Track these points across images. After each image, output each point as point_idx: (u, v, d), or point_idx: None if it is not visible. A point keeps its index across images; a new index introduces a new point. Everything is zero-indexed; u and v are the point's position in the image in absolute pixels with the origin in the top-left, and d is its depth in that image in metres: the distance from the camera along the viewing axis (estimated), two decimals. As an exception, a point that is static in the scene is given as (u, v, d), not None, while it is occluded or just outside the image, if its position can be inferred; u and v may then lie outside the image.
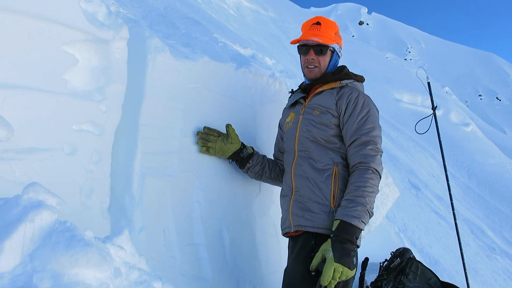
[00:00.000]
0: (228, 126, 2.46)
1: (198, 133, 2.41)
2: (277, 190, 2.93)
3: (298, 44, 2.44)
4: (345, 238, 1.93)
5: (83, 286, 1.02)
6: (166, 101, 2.24)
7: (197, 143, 2.41)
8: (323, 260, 1.95)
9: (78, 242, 1.07)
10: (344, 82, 2.34)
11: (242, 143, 2.51)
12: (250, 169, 2.53)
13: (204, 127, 2.44)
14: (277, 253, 2.83)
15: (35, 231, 1.06)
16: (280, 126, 2.68)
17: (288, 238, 2.38)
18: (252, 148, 2.57)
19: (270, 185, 2.79)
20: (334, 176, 2.17)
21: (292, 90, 2.64)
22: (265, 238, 2.78)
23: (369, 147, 2.12)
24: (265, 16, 19.42)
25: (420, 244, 6.27)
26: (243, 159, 2.50)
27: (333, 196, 2.14)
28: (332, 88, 2.32)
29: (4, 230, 1.05)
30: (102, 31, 1.92)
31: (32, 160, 1.65)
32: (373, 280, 3.14)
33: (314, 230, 2.11)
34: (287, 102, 2.63)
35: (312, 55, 2.35)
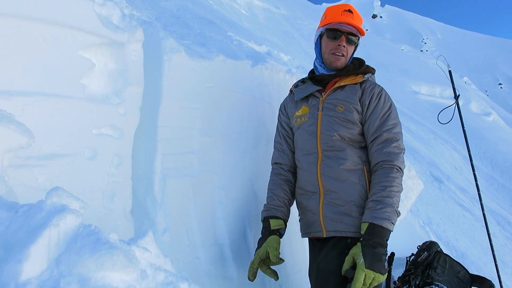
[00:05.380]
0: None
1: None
2: (298, 187, 2.89)
3: (326, 27, 2.22)
4: (376, 241, 1.86)
5: (110, 289, 1.01)
6: (183, 101, 2.23)
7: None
8: (353, 265, 1.89)
9: (103, 245, 1.05)
10: (366, 76, 2.22)
11: (278, 239, 2.16)
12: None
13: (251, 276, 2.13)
14: (301, 251, 2.79)
15: (60, 236, 1.06)
16: (282, 121, 2.41)
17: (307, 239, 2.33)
18: (281, 221, 2.25)
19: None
20: (366, 176, 2.10)
21: (303, 79, 2.40)
22: (289, 237, 2.74)
23: (393, 144, 2.06)
24: (277, 14, 19.33)
25: (446, 237, 6.15)
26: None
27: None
28: (355, 83, 2.19)
29: (29, 236, 1.04)
30: (117, 34, 1.92)
31: (54, 165, 1.66)
32: (400, 275, 3.07)
33: (356, 236, 2.00)
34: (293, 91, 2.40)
35: (343, 42, 2.19)
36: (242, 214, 2.47)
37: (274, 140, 2.46)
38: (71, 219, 1.09)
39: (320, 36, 2.29)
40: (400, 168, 2.04)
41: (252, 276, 2.11)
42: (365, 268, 1.81)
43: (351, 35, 2.21)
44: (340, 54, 2.20)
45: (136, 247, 1.25)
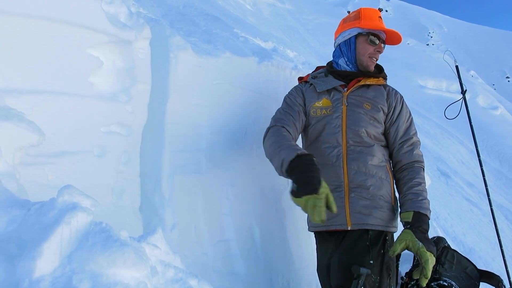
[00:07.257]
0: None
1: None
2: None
3: (369, 30, 2.26)
4: (424, 228, 1.95)
5: (122, 285, 1.02)
6: (191, 98, 2.24)
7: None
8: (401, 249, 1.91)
9: (114, 243, 1.07)
10: (386, 81, 2.37)
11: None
12: None
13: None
14: (308, 246, 2.80)
15: (72, 233, 1.07)
16: (296, 97, 2.29)
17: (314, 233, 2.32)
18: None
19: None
20: (390, 173, 2.19)
21: (325, 72, 2.36)
22: (296, 232, 2.76)
23: (419, 148, 2.24)
24: (282, 9, 19.28)
25: (453, 233, 6.15)
26: None
27: (394, 193, 2.18)
28: (379, 85, 2.29)
29: (42, 233, 1.06)
30: (124, 32, 1.93)
31: (64, 163, 1.68)
32: (407, 270, 3.07)
33: (385, 229, 2.07)
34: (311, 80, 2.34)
35: (381, 48, 2.31)
36: (249, 211, 2.48)
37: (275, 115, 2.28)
38: (83, 217, 1.11)
39: (355, 36, 2.28)
40: (424, 170, 2.21)
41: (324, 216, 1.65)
42: (426, 250, 1.86)
43: (384, 43, 2.35)
44: (375, 59, 2.32)
45: (146, 244, 1.26)
